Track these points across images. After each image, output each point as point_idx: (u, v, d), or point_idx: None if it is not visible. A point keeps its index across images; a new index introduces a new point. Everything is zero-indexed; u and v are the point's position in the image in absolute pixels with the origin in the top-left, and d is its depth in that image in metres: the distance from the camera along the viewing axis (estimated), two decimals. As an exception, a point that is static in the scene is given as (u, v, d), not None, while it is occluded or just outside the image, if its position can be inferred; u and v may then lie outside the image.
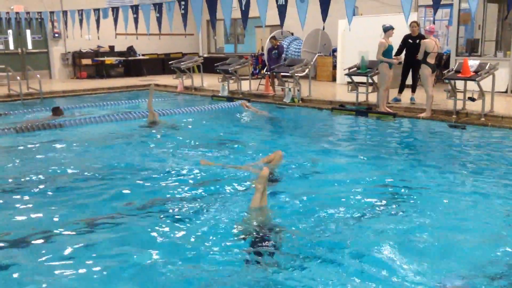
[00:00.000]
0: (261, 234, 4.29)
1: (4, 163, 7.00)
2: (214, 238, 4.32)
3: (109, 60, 18.68)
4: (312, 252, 4.00)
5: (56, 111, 10.63)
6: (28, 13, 15.01)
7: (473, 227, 4.56)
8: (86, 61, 18.52)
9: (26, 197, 5.47)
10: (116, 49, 19.13)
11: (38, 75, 13.69)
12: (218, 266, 3.83)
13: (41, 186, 5.86)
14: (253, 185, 4.91)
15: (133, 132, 9.05)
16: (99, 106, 12.48)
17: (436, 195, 5.40)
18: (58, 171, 6.53)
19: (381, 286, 3.48)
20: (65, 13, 14.26)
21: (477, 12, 12.61)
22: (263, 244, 4.15)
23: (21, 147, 7.98)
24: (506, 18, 12.62)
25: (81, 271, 3.80)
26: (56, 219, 4.78)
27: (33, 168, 6.63)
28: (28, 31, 17.14)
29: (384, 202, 5.23)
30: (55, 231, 4.49)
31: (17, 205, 5.25)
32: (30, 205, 5.26)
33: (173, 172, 6.41)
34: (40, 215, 4.97)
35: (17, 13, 15.10)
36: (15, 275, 3.74)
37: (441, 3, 7.81)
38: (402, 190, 5.62)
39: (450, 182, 5.89)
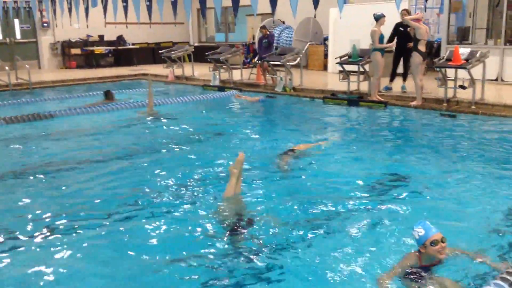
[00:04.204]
0: (238, 224, 4.30)
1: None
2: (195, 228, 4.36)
3: (98, 49, 18.50)
4: (296, 240, 4.03)
5: (108, 95, 10.64)
6: (16, 2, 14.79)
7: (465, 212, 4.59)
8: (75, 51, 18.32)
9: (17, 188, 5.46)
10: (105, 38, 18.94)
11: (27, 65, 13.54)
12: (198, 256, 3.83)
13: (30, 178, 5.83)
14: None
15: (126, 123, 9.01)
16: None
17: (427, 183, 5.41)
18: (43, 163, 6.47)
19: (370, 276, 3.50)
20: (53, 2, 14.02)
21: (467, 0, 12.63)
22: (240, 233, 4.15)
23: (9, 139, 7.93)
24: (497, 6, 12.62)
25: (71, 265, 3.80)
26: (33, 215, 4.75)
27: (20, 161, 6.61)
28: (16, 21, 16.93)
29: (374, 191, 5.23)
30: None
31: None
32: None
33: (159, 163, 6.42)
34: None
35: (4, 2, 14.84)
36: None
37: (432, -9, 7.79)
38: (393, 178, 5.63)
39: (441, 170, 5.91)
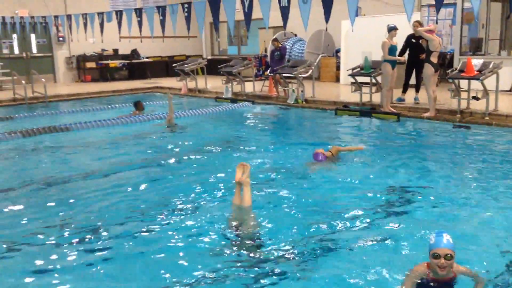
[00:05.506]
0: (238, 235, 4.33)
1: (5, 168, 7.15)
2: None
3: (113, 63, 18.76)
4: (308, 255, 4.03)
5: (138, 105, 10.79)
6: (32, 17, 15.11)
7: (478, 226, 4.57)
8: (90, 65, 18.59)
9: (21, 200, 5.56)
10: (120, 52, 19.21)
11: (43, 79, 13.77)
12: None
13: (39, 190, 5.93)
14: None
15: (145, 136, 9.15)
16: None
17: (441, 196, 5.38)
18: (64, 174, 6.60)
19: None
20: (69, 17, 14.33)
21: (480, 11, 12.60)
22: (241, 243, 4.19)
23: (22, 150, 8.09)
24: (509, 17, 12.60)
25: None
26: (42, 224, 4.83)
27: (32, 173, 6.72)
28: (32, 35, 17.25)
29: (388, 203, 5.22)
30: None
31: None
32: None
33: (177, 173, 6.48)
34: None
35: (21, 17, 15.19)
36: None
37: (444, 2, 7.80)
38: (407, 190, 5.61)
39: (455, 182, 5.87)
